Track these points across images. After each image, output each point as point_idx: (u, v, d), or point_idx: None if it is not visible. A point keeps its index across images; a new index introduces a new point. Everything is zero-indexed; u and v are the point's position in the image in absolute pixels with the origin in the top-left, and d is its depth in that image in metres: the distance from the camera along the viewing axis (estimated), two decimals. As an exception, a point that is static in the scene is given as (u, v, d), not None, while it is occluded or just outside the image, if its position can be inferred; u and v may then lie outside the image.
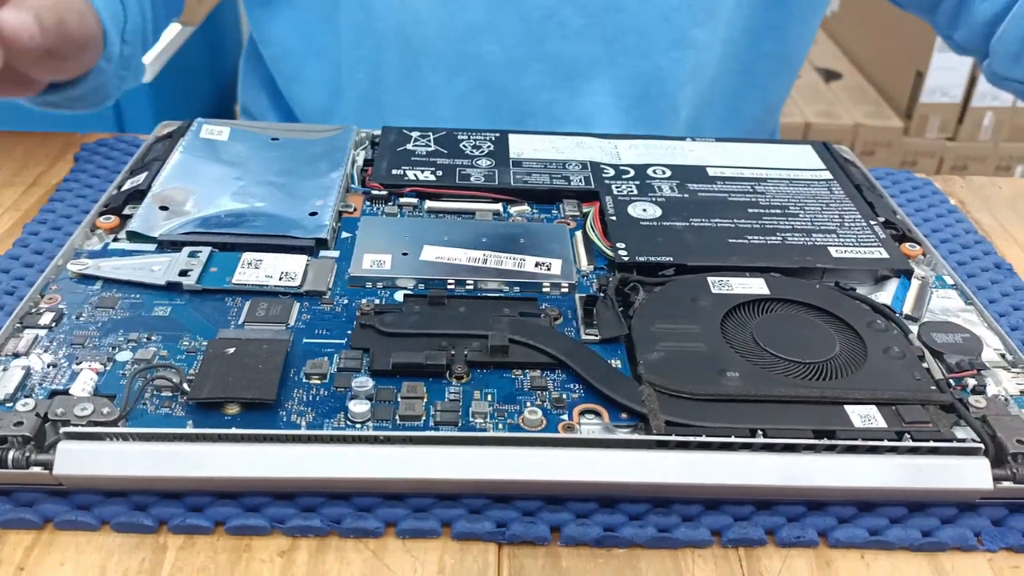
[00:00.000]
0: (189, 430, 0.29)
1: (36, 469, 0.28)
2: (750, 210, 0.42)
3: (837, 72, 1.74)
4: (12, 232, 0.43)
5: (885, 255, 0.39)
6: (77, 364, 0.31)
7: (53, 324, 0.33)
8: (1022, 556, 0.29)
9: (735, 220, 0.41)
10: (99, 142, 0.50)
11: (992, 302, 0.41)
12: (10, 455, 0.28)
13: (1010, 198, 0.51)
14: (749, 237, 0.40)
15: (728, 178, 0.45)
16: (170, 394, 0.30)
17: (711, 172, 0.45)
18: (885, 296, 0.38)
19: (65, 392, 0.30)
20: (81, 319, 0.34)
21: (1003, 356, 0.35)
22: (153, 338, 0.33)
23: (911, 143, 1.57)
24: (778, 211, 0.42)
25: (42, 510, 0.28)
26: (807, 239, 0.40)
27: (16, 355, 0.32)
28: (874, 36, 1.69)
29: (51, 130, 0.52)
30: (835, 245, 0.40)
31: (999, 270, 0.43)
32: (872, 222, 0.41)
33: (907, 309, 0.37)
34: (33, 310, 0.34)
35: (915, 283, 0.38)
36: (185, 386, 0.30)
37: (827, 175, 0.46)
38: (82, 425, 0.29)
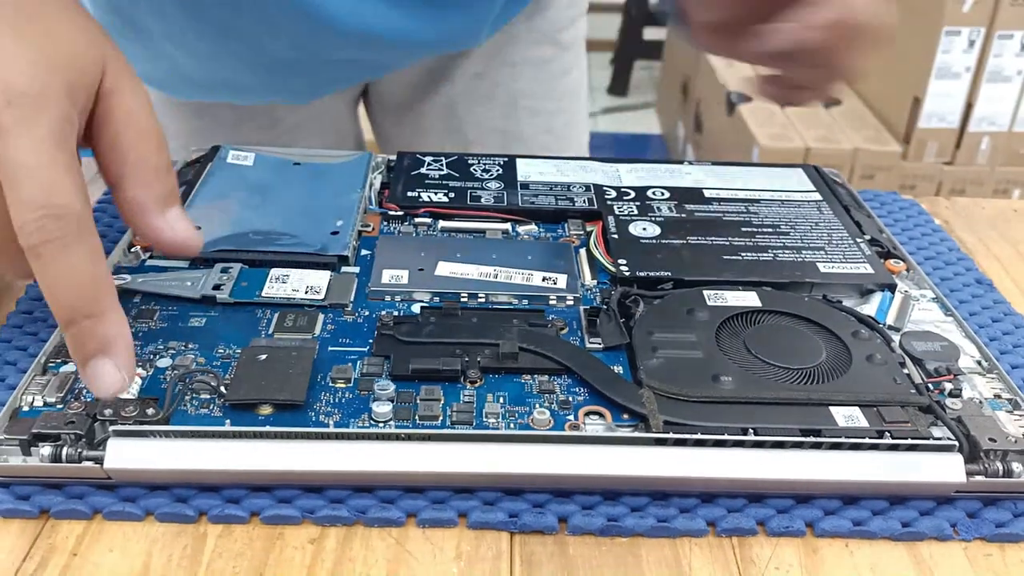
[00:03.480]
0: (227, 428, 0.31)
1: (88, 464, 0.31)
2: (744, 229, 0.45)
3: (836, 98, 1.78)
4: (52, 251, 0.45)
5: (870, 270, 0.42)
6: (121, 370, 0.34)
7: (97, 334, 0.36)
8: (995, 545, 0.32)
9: (730, 238, 0.44)
10: (130, 167, 0.53)
11: (973, 314, 0.43)
12: (64, 451, 0.31)
13: (991, 218, 0.53)
14: (743, 254, 0.43)
15: (723, 199, 0.47)
16: (208, 396, 0.33)
17: (707, 194, 0.48)
18: (870, 308, 0.40)
19: (111, 395, 0.33)
20: (123, 329, 0.36)
21: (979, 363, 0.37)
22: (190, 346, 0.36)
23: (909, 167, 1.60)
24: (770, 230, 0.45)
25: (91, 502, 0.31)
26: (797, 255, 0.43)
27: (65, 362, 0.35)
28: (872, 63, 1.73)
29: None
30: (823, 261, 0.42)
31: (980, 285, 0.46)
32: (859, 240, 0.44)
33: (890, 320, 0.40)
34: (78, 321, 0.37)
35: (898, 296, 0.41)
36: (222, 389, 0.33)
37: (817, 196, 0.48)
38: (129, 424, 0.31)
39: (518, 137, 0.67)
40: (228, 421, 0.32)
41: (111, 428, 0.31)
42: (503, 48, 0.64)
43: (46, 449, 0.31)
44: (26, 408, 0.33)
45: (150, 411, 0.32)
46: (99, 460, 0.30)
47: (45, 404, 0.33)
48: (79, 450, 0.31)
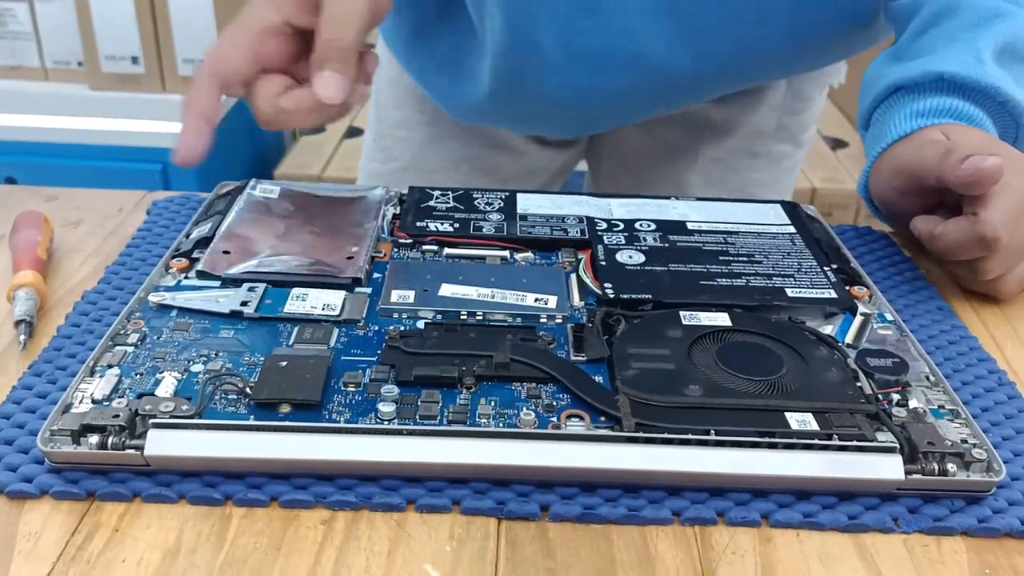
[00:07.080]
0: (251, 423, 0.36)
1: (130, 451, 0.35)
2: (721, 257, 0.49)
3: (844, 141, 1.83)
4: (96, 272, 0.50)
5: (834, 295, 0.46)
6: (159, 373, 0.39)
7: (139, 343, 0.41)
8: (932, 537, 0.35)
9: (707, 266, 0.48)
10: (167, 199, 0.58)
11: (931, 337, 0.47)
12: (109, 440, 0.35)
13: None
14: (718, 279, 0.47)
15: (704, 231, 0.52)
16: (235, 396, 0.38)
17: (690, 226, 0.52)
18: (831, 328, 0.44)
19: (151, 394, 0.37)
20: (161, 339, 0.41)
21: (927, 378, 0.41)
22: (220, 354, 0.40)
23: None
24: (745, 259, 0.49)
25: (132, 486, 0.35)
26: (768, 281, 0.47)
27: (110, 366, 0.39)
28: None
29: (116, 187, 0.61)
30: (791, 287, 0.46)
31: (940, 311, 0.50)
32: (826, 268, 0.48)
33: (848, 339, 0.44)
34: (122, 332, 0.42)
35: (858, 319, 0.45)
36: (248, 390, 0.37)
37: (791, 229, 0.53)
38: (166, 418, 0.36)
39: None
40: (252, 417, 0.36)
41: (150, 421, 0.36)
42: (751, 139, 0.73)
43: (94, 438, 0.35)
44: (76, 404, 0.37)
45: (184, 407, 0.36)
46: (140, 448, 0.35)
47: (93, 402, 0.37)
48: (123, 439, 0.35)
